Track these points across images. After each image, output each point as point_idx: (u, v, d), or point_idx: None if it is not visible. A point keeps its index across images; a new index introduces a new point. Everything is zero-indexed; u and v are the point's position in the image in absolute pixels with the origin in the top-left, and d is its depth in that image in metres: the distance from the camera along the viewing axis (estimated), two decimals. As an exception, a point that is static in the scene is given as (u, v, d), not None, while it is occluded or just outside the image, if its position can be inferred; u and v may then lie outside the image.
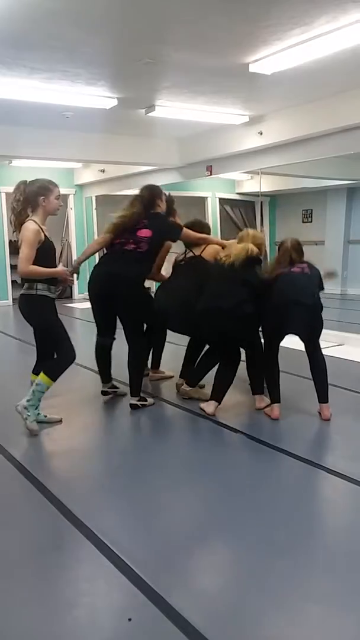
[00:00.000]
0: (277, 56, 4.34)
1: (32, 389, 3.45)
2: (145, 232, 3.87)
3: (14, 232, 3.51)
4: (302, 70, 4.69)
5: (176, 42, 4.15)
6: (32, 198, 3.40)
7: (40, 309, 3.46)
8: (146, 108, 6.04)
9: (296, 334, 3.69)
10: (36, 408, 3.49)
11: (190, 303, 3.82)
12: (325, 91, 5.58)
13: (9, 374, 5.17)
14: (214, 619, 1.82)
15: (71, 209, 10.73)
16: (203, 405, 3.86)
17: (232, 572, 2.12)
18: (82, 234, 10.77)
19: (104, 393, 4.27)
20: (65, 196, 10.62)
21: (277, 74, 4.75)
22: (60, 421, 3.67)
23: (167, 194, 4.24)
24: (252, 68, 4.59)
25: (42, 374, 3.45)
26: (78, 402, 4.19)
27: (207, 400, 3.87)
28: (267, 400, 3.89)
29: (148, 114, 6.12)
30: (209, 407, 3.80)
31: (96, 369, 4.31)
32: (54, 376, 3.46)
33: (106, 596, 1.98)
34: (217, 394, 3.84)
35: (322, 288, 3.69)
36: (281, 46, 4.19)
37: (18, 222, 3.41)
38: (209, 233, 4.55)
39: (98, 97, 5.53)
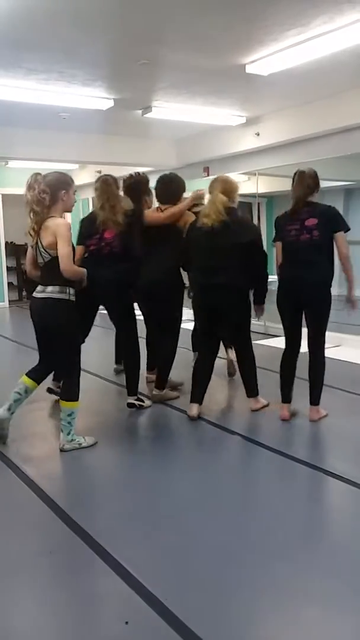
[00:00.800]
0: (273, 57, 4.35)
1: (64, 422, 3.22)
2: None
3: (31, 231, 3.14)
4: (299, 71, 4.69)
5: (173, 43, 4.14)
6: (53, 192, 3.12)
7: (69, 316, 3.18)
8: (143, 109, 6.03)
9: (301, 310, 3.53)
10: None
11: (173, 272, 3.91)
12: (322, 92, 5.59)
13: (8, 377, 5.14)
14: (211, 622, 1.81)
15: (68, 210, 10.70)
16: (189, 411, 3.77)
17: (230, 573, 2.10)
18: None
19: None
20: (62, 197, 10.60)
21: (274, 75, 4.75)
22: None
23: (140, 173, 4.31)
24: (249, 69, 4.59)
25: (63, 402, 3.22)
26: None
27: (175, 398, 4.04)
28: (263, 402, 3.88)
29: (145, 115, 6.12)
30: (192, 410, 3.74)
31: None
32: (76, 397, 3.23)
33: (103, 599, 1.97)
34: (198, 396, 3.76)
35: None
36: (278, 47, 4.19)
37: (40, 219, 3.11)
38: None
39: (94, 98, 5.52)
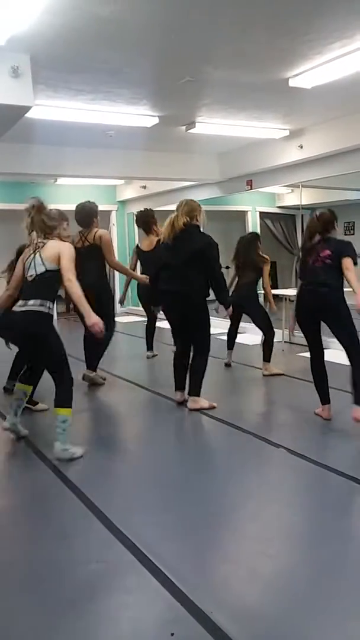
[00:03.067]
0: (317, 70, 4.34)
1: (59, 429, 3.33)
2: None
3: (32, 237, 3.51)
4: (343, 83, 4.67)
5: (216, 60, 4.21)
6: (59, 222, 3.56)
7: (53, 328, 3.43)
8: (187, 125, 6.12)
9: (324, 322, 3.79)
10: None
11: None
12: (367, 103, 5.53)
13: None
14: (258, 638, 1.80)
15: (113, 224, 10.92)
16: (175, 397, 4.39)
17: (277, 589, 2.09)
18: (124, 249, 10.94)
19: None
20: (108, 212, 10.84)
21: (318, 88, 4.74)
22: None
23: (147, 208, 6.03)
24: (292, 83, 4.60)
25: (59, 409, 3.35)
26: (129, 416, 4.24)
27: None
28: (203, 403, 4.20)
29: (189, 131, 6.21)
30: (177, 396, 4.38)
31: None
32: (70, 404, 3.39)
33: (148, 610, 1.99)
34: (180, 384, 4.38)
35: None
36: (321, 60, 4.19)
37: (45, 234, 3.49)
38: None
39: (140, 115, 5.65)
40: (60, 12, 3.27)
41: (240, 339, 6.05)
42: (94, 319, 3.35)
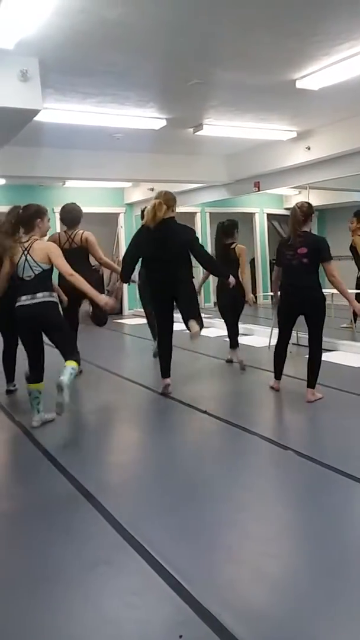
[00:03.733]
0: (324, 71, 4.34)
1: (68, 374, 3.66)
2: None
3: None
4: (351, 84, 4.66)
5: (223, 62, 4.22)
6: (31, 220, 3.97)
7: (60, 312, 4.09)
8: (194, 127, 6.14)
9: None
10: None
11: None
12: (375, 104, 5.51)
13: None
14: (265, 639, 1.80)
15: (121, 227, 10.94)
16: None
17: (283, 589, 2.08)
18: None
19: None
20: (116, 215, 10.86)
21: (325, 89, 4.74)
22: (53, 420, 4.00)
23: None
24: (299, 84, 4.60)
25: (70, 362, 3.74)
26: (131, 415, 4.25)
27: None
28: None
29: (196, 133, 6.22)
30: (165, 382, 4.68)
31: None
32: (78, 358, 4.05)
33: (156, 611, 1.99)
34: (165, 371, 4.71)
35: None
36: (329, 61, 4.19)
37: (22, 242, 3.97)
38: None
39: (147, 118, 5.67)
40: (69, 15, 3.29)
41: (248, 340, 6.07)
42: (103, 299, 4.03)
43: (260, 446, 3.59)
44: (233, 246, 5.62)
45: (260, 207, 10.70)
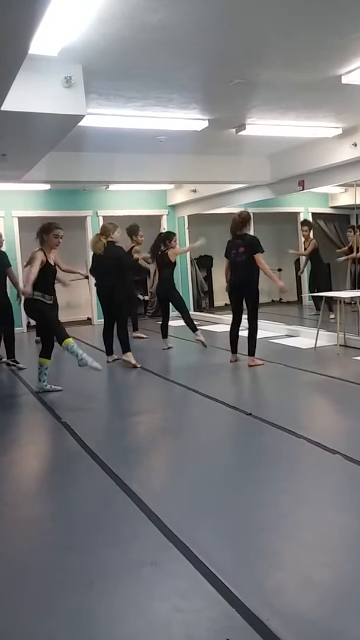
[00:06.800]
0: (371, 66, 4.23)
1: (75, 349, 4.64)
2: None
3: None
4: None
5: (266, 61, 4.17)
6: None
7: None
8: (236, 127, 6.10)
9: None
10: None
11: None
12: None
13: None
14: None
15: (164, 228, 10.99)
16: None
17: (333, 598, 2.03)
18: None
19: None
20: (159, 217, 10.93)
21: (372, 83, 4.62)
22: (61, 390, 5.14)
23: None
24: (345, 80, 4.50)
25: (67, 340, 4.66)
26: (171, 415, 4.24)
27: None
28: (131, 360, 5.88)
29: (239, 133, 6.18)
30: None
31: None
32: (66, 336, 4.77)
33: (203, 615, 1.98)
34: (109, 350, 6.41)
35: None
36: (376, 55, 4.08)
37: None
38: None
39: (190, 120, 5.67)
40: (111, 22, 3.33)
41: (288, 342, 5.99)
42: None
43: (307, 449, 3.52)
44: (166, 251, 6.88)
45: (305, 207, 10.52)
